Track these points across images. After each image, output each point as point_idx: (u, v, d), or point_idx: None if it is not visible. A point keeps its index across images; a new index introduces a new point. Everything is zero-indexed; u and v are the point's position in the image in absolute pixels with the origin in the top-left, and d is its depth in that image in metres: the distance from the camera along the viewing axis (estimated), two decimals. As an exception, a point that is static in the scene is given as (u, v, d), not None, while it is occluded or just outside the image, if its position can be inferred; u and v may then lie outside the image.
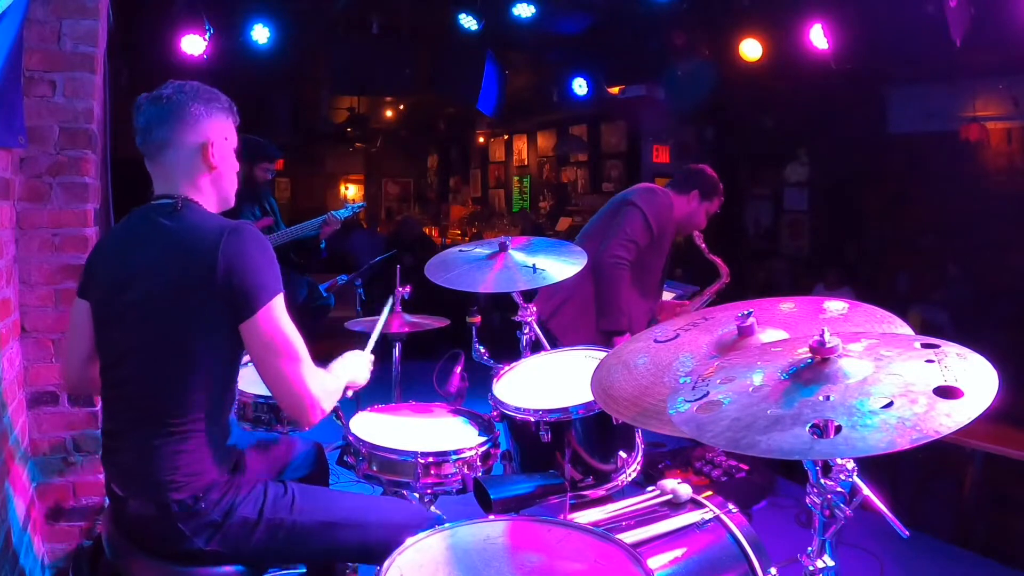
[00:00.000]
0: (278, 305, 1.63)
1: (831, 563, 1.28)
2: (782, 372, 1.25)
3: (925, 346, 1.23)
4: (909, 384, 1.13)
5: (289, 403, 1.66)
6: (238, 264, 1.59)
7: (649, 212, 3.35)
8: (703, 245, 3.57)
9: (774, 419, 1.14)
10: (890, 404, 1.09)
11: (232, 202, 1.85)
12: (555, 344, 3.39)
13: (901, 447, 1.03)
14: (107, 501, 2.61)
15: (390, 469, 2.07)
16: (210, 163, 1.74)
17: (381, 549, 1.54)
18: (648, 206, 3.37)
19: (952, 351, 1.20)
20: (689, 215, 3.52)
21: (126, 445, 1.68)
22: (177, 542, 1.60)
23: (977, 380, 1.11)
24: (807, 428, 1.11)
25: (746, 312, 1.57)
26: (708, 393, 1.27)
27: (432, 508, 2.32)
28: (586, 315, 3.39)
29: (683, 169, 3.69)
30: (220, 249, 1.59)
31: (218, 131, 1.76)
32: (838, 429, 1.09)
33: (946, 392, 1.09)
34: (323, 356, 1.80)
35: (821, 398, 1.15)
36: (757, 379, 1.26)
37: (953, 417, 1.05)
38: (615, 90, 6.62)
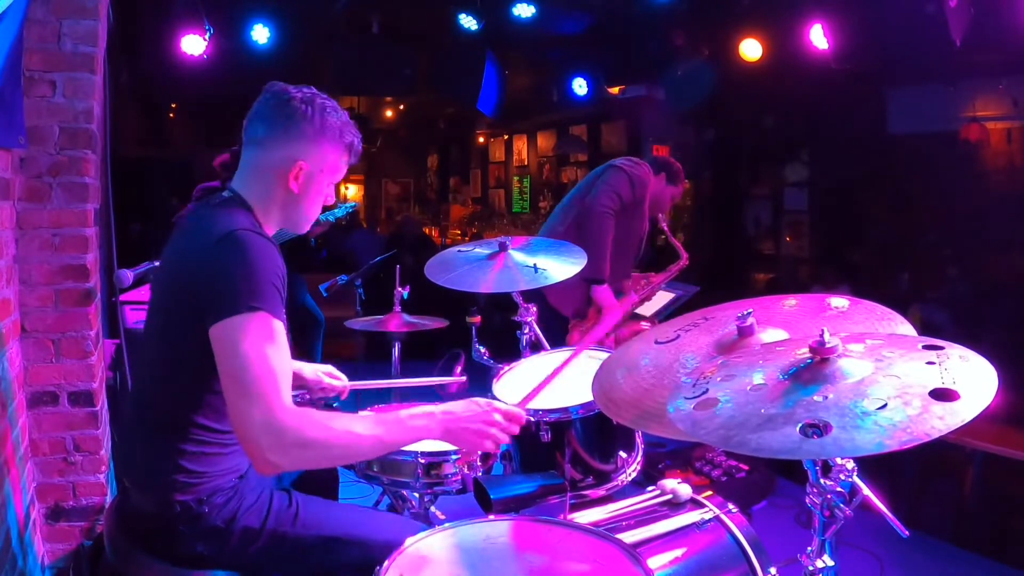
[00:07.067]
0: (243, 324, 1.44)
1: (831, 563, 1.28)
2: (781, 372, 1.25)
3: (928, 347, 1.23)
4: (906, 386, 1.13)
5: (238, 436, 1.46)
6: (216, 269, 1.50)
7: (632, 174, 3.74)
8: (666, 227, 4.04)
9: (766, 418, 1.15)
10: (884, 406, 1.10)
11: (303, 230, 1.77)
12: (548, 309, 3.67)
13: (889, 448, 1.03)
14: (107, 501, 2.62)
15: (390, 469, 2.07)
16: (288, 185, 1.65)
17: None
18: (631, 169, 3.76)
19: (955, 353, 1.20)
20: (658, 194, 3.93)
21: (136, 438, 1.68)
22: (176, 543, 1.59)
23: (975, 383, 1.11)
24: (798, 428, 1.11)
25: (745, 312, 1.57)
26: (708, 391, 1.28)
27: (432, 508, 2.32)
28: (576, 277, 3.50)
29: (652, 157, 4.31)
30: (210, 251, 1.52)
31: (318, 158, 1.67)
32: (829, 429, 1.10)
33: (942, 395, 1.09)
34: (324, 357, 1.79)
35: (819, 398, 1.15)
36: (758, 378, 1.26)
37: (946, 420, 1.05)
38: (615, 90, 6.62)
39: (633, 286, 3.98)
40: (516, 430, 1.69)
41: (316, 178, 1.69)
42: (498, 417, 1.65)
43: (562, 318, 3.74)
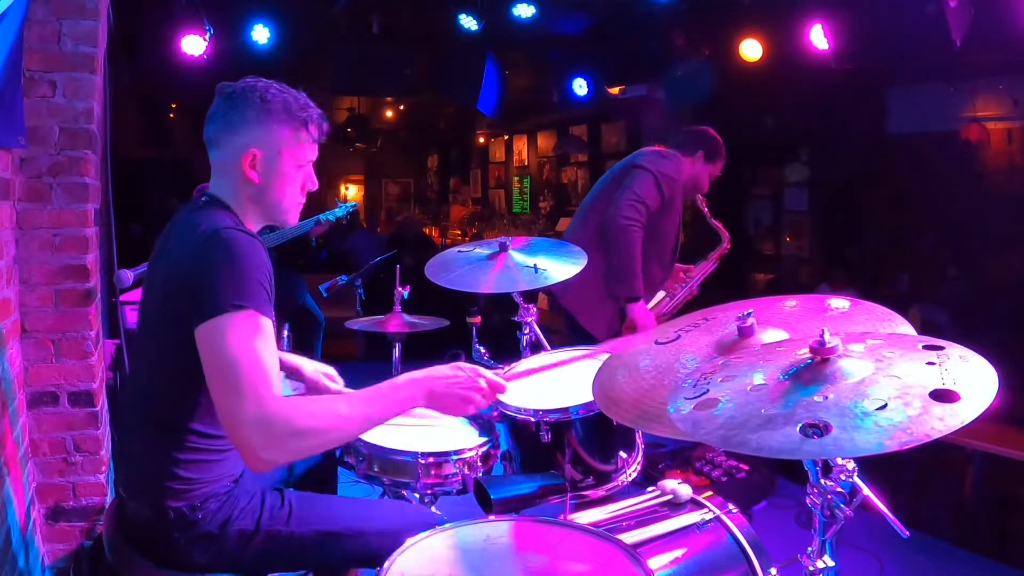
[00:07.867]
0: (228, 323, 1.43)
1: (831, 563, 1.28)
2: (782, 373, 1.25)
3: (929, 348, 1.23)
4: (906, 386, 1.13)
5: (229, 436, 1.45)
6: (201, 270, 1.49)
7: (659, 174, 3.29)
8: (706, 209, 3.53)
9: (767, 418, 1.15)
10: (884, 406, 1.10)
11: (288, 221, 1.72)
12: (571, 321, 3.43)
13: (890, 449, 1.03)
14: (107, 501, 2.62)
15: (391, 469, 2.07)
16: (246, 175, 1.63)
17: (383, 556, 1.49)
18: (658, 168, 3.30)
19: (956, 353, 1.20)
20: (694, 177, 3.46)
21: (131, 444, 1.68)
22: (171, 549, 1.59)
23: (976, 384, 1.11)
24: (798, 428, 1.11)
25: (746, 312, 1.57)
26: (708, 391, 1.28)
27: (432, 509, 2.32)
28: (599, 288, 3.33)
29: (686, 130, 3.61)
30: (197, 250, 1.51)
31: (270, 142, 1.64)
32: (829, 429, 1.10)
33: (942, 396, 1.09)
34: (324, 357, 1.78)
35: (819, 398, 1.15)
36: (758, 379, 1.26)
37: (946, 421, 1.05)
38: (615, 90, 6.62)
39: (672, 282, 3.65)
40: (495, 398, 1.74)
41: (276, 162, 1.65)
42: (482, 383, 1.67)
43: (595, 341, 3.39)
